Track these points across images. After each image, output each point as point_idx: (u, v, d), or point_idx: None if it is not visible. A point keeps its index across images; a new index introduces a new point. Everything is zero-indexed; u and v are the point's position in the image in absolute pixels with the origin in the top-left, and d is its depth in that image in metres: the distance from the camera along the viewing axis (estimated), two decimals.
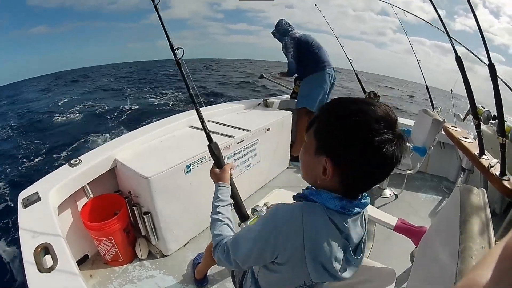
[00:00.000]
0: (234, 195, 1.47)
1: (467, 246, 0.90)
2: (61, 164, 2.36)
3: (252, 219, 1.65)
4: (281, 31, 3.87)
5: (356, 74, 4.18)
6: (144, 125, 2.99)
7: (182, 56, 1.63)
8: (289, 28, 3.87)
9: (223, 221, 1.19)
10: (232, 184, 1.43)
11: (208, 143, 1.61)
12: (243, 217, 1.59)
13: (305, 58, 3.74)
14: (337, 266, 0.89)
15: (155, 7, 1.60)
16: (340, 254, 0.89)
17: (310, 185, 0.97)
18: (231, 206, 1.31)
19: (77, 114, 11.99)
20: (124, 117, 11.03)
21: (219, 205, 1.26)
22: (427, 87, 3.77)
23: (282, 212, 0.91)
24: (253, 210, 1.76)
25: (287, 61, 3.87)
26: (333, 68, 3.78)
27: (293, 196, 0.97)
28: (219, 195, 1.31)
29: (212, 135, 2.82)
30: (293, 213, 0.88)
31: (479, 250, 0.88)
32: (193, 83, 1.73)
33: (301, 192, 0.96)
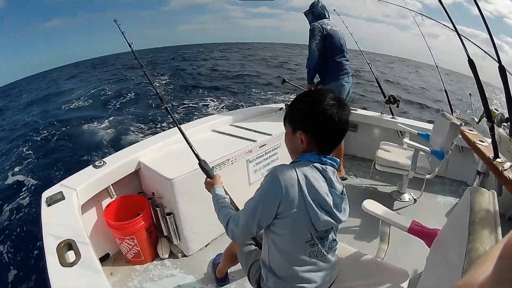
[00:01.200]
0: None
1: (474, 247, 0.92)
2: (84, 162, 2.45)
3: None
4: (315, 13, 3.51)
5: (377, 79, 4.14)
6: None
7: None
8: (325, 13, 3.53)
9: (226, 206, 1.43)
10: (224, 189, 1.65)
11: (198, 161, 1.87)
12: None
13: (327, 61, 3.47)
14: (330, 201, 1.16)
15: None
16: (329, 194, 1.18)
17: None
18: (228, 200, 1.53)
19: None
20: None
21: (219, 199, 1.50)
22: (445, 91, 3.73)
23: (277, 167, 1.18)
24: None
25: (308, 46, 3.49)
26: (351, 76, 3.60)
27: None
28: (217, 193, 1.56)
29: (234, 139, 2.91)
30: (287, 166, 1.18)
31: (486, 251, 0.89)
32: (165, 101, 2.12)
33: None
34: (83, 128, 9.72)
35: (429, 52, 4.04)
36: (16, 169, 6.75)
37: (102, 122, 10.30)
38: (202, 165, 1.83)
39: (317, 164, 1.18)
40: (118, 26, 2.12)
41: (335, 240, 1.34)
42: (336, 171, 1.26)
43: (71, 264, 1.43)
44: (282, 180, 1.12)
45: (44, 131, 9.79)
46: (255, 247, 1.67)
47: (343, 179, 3.51)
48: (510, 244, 0.37)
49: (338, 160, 1.24)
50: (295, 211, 1.13)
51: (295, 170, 1.14)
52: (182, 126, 3.07)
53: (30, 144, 8.63)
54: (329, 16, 3.56)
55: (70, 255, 1.49)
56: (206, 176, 1.78)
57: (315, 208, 1.13)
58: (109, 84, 19.33)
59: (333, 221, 1.19)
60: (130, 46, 2.13)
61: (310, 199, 1.13)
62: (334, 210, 1.17)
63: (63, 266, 1.41)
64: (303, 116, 1.19)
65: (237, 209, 1.60)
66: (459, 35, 2.24)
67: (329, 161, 1.20)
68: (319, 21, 3.44)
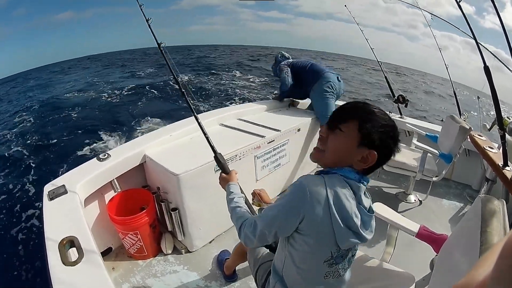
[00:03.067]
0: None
1: None
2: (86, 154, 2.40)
3: None
4: (278, 60, 4.02)
5: (386, 78, 4.14)
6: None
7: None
8: (284, 59, 4.01)
9: (241, 207, 1.36)
10: (241, 189, 1.58)
11: (214, 155, 1.79)
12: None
13: (302, 77, 3.76)
14: (358, 222, 1.05)
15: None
16: (357, 212, 1.06)
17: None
18: (243, 199, 1.46)
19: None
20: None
21: (234, 197, 1.43)
22: (455, 93, 3.72)
23: (305, 178, 1.07)
24: (261, 210, 1.81)
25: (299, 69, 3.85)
26: (331, 73, 3.66)
27: (315, 172, 1.14)
28: (232, 190, 1.50)
29: (242, 133, 2.85)
30: (316, 177, 1.06)
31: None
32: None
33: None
34: (88, 120, 9.60)
35: (437, 63, 4.02)
36: (19, 158, 6.66)
37: (110, 114, 10.27)
38: (219, 158, 1.76)
39: (351, 181, 1.07)
40: (149, 24, 2.04)
41: (354, 255, 1.23)
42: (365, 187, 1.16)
43: (74, 263, 1.38)
44: (309, 194, 1.01)
45: (49, 121, 9.72)
46: (266, 248, 1.63)
47: None
48: (510, 244, 0.37)
49: (369, 179, 1.15)
50: (318, 229, 1.04)
51: (325, 185, 1.02)
52: (189, 119, 3.07)
53: (33, 132, 8.52)
54: (289, 57, 4.06)
55: (72, 253, 1.45)
56: (221, 171, 1.71)
57: (343, 227, 1.03)
58: (119, 78, 19.26)
59: (359, 241, 1.09)
60: (157, 42, 2.04)
61: (338, 218, 1.02)
62: (361, 230, 1.06)
63: (65, 265, 1.37)
64: (381, 144, 1.05)
65: (250, 208, 1.56)
66: (476, 41, 2.22)
67: (366, 182, 1.11)
68: (283, 61, 3.94)
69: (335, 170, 1.09)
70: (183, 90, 1.98)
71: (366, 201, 1.12)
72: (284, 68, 3.80)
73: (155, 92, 13.62)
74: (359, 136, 1.05)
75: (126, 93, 13.65)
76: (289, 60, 3.96)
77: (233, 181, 1.60)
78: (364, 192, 1.13)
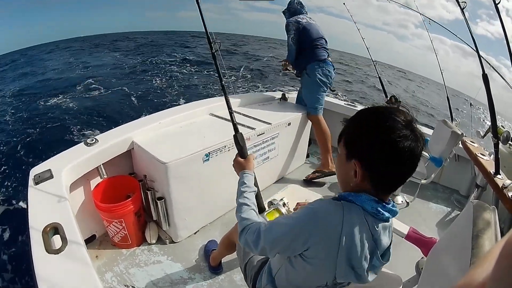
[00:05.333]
0: (256, 185, 1.49)
1: None
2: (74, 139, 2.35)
3: (268, 211, 1.69)
4: (291, 10, 3.58)
5: (380, 78, 4.13)
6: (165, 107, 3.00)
7: (219, 48, 1.74)
8: (301, 9, 3.58)
9: (250, 206, 1.25)
10: (255, 178, 1.47)
11: (234, 133, 1.67)
12: (260, 208, 1.60)
13: (302, 47, 3.48)
14: (365, 265, 0.96)
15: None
16: (368, 256, 0.96)
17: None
18: (255, 193, 1.36)
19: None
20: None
21: (246, 191, 1.32)
22: (448, 98, 3.74)
23: (323, 205, 0.97)
24: (270, 203, 1.78)
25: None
26: (326, 61, 3.46)
27: (333, 198, 1.02)
28: (245, 181, 1.38)
29: (232, 124, 2.80)
30: (334, 208, 0.95)
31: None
32: (225, 72, 1.80)
33: (337, 195, 1.02)
34: (80, 103, 9.45)
35: (427, 65, 4.05)
36: (4, 141, 6.49)
37: (100, 97, 10.15)
38: (238, 139, 1.63)
39: (369, 217, 0.95)
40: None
41: (350, 283, 1.13)
42: (391, 224, 1.05)
43: (57, 251, 1.36)
44: (322, 224, 0.93)
45: (41, 102, 9.52)
46: None
47: (332, 173, 3.49)
48: (510, 244, 0.37)
49: (398, 210, 1.00)
50: (321, 261, 0.96)
51: (342, 219, 0.91)
52: (178, 107, 3.03)
53: (20, 115, 8.37)
54: (306, 12, 3.61)
55: (56, 240, 1.43)
56: (237, 153, 1.60)
57: (347, 268, 0.95)
58: (116, 59, 19.14)
59: (358, 282, 1.02)
60: (205, 26, 1.76)
61: (344, 258, 0.93)
62: (364, 274, 0.98)
63: (48, 252, 1.34)
64: (365, 144, 0.92)
65: (259, 205, 1.51)
66: (477, 50, 2.23)
67: (387, 214, 0.95)
68: (294, 16, 3.50)
69: (352, 196, 0.96)
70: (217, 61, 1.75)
71: (385, 242, 1.01)
72: (291, 30, 3.42)
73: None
74: (345, 147, 0.99)
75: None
76: (302, 21, 3.46)
77: (249, 169, 1.49)
78: (389, 231, 1.03)
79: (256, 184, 1.48)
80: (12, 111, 8.76)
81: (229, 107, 1.75)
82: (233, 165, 1.57)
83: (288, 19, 3.50)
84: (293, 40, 3.43)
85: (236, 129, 1.71)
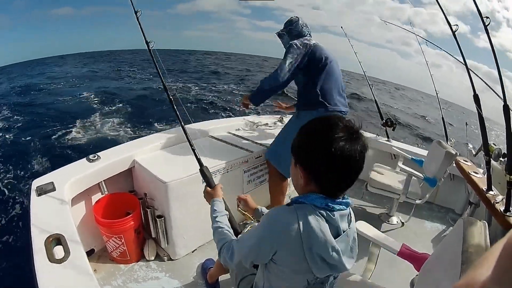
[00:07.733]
0: (227, 210, 1.60)
1: None
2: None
3: (245, 231, 1.73)
4: (294, 32, 2.73)
5: (376, 101, 4.22)
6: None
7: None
8: (305, 31, 2.75)
9: (223, 227, 1.37)
10: (224, 202, 1.60)
11: (199, 167, 1.80)
12: (235, 230, 1.64)
13: (313, 83, 2.62)
14: (335, 256, 1.02)
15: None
16: (335, 245, 1.01)
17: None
18: (227, 216, 1.48)
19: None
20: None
21: (217, 216, 1.45)
22: (443, 119, 3.82)
23: (279, 210, 1.07)
24: (244, 224, 1.82)
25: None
26: (341, 111, 2.69)
27: (286, 204, 1.09)
28: (215, 208, 1.51)
29: (231, 147, 2.86)
30: (289, 210, 1.02)
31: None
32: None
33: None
34: (81, 122, 9.50)
35: (430, 82, 4.11)
36: (8, 154, 6.56)
37: (100, 118, 10.21)
38: (204, 171, 1.77)
39: (322, 211, 1.00)
40: (139, 23, 1.97)
41: (336, 277, 1.20)
42: (350, 213, 1.12)
43: (60, 261, 1.39)
44: (279, 228, 1.00)
45: (44, 119, 9.63)
46: None
47: None
48: (510, 244, 0.38)
49: (349, 201, 1.07)
50: (292, 262, 1.02)
51: (297, 218, 0.98)
52: (178, 128, 3.06)
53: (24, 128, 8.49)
54: (310, 34, 2.80)
55: (58, 251, 1.46)
56: (206, 184, 1.73)
57: (318, 262, 1.00)
58: (111, 79, 19.53)
59: (337, 272, 1.10)
60: (146, 40, 1.94)
61: (313, 253, 0.98)
62: (340, 259, 1.03)
63: (51, 261, 1.38)
64: (304, 148, 1.01)
65: (234, 228, 1.57)
66: (467, 69, 2.31)
67: (338, 206, 1.02)
68: (302, 37, 2.70)
69: (302, 198, 1.04)
70: (171, 97, 1.95)
71: (344, 225, 1.07)
72: (294, 54, 2.55)
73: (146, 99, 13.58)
74: (292, 154, 1.08)
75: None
76: (312, 41, 2.63)
77: (218, 196, 1.61)
78: (348, 216, 1.10)
79: (227, 209, 1.59)
80: (15, 120, 9.00)
81: (189, 142, 1.89)
82: (204, 196, 1.69)
83: (294, 41, 2.61)
84: (292, 65, 2.55)
85: (200, 164, 1.82)
